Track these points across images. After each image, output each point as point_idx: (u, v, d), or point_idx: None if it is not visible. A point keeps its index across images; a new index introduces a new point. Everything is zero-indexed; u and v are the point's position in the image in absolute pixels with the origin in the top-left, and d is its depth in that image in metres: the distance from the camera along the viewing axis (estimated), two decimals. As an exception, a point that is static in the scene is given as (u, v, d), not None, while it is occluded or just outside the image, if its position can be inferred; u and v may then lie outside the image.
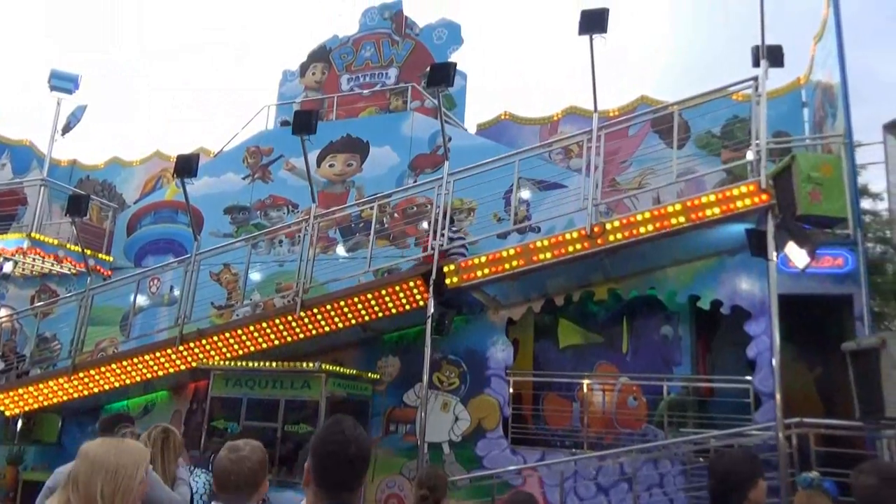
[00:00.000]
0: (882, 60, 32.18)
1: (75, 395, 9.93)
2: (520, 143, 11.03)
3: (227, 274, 11.17)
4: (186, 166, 8.90)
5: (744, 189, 6.94)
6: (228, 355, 9.14)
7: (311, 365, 8.21)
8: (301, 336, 8.82)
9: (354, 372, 8.84)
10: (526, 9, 43.37)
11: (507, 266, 7.77)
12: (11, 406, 10.24)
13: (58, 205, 12.66)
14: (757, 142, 7.00)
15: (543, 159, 9.98)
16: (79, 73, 13.39)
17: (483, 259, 7.90)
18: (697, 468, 7.23)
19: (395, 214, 10.57)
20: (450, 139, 8.89)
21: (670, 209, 7.21)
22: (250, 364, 8.64)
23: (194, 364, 9.17)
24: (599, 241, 7.35)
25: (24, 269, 12.29)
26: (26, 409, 10.26)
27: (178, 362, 9.40)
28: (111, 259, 12.61)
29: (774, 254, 6.59)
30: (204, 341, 9.16)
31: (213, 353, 9.18)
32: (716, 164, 9.74)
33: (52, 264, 12.18)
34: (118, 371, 9.66)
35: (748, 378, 7.59)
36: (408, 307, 8.35)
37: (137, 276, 10.63)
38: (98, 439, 2.33)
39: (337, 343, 9.23)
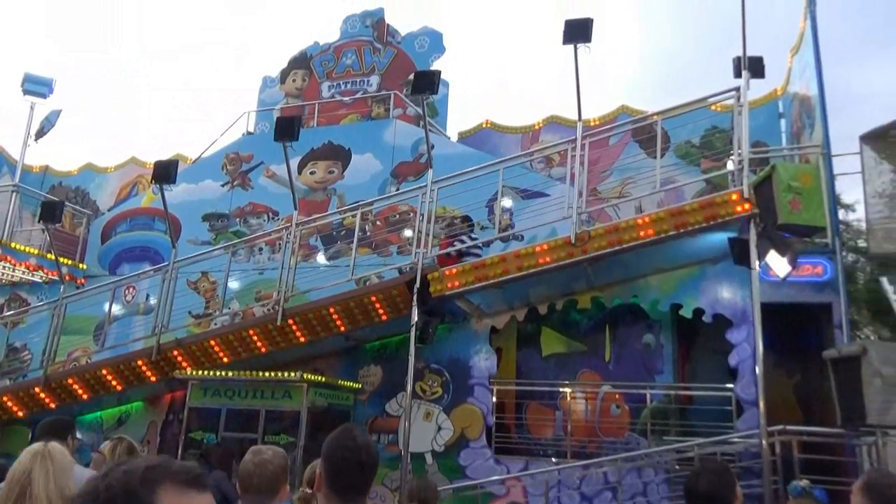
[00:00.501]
0: (854, 73, 33.11)
1: (47, 407, 9.64)
2: (501, 151, 11.06)
3: (206, 282, 10.99)
4: (165, 173, 8.77)
5: (727, 198, 7.02)
6: (207, 365, 8.96)
7: (291, 374, 8.09)
8: (282, 345, 8.69)
9: (336, 381, 8.73)
10: (507, 18, 43.82)
11: (490, 274, 7.74)
12: (-21, 418, 9.92)
13: (29, 211, 12.36)
14: (739, 151, 7.08)
15: (526, 168, 10.00)
16: (53, 77, 13.09)
17: (467, 267, 7.87)
18: (681, 476, 7.24)
19: (378, 222, 10.49)
20: (433, 147, 8.87)
21: (655, 217, 7.25)
22: (229, 373, 8.48)
23: (173, 374, 8.97)
24: (584, 249, 7.36)
25: (-7, 277, 11.97)
26: (-5, 420, 9.95)
27: (154, 372, 9.20)
28: (85, 267, 12.34)
29: (757, 262, 6.65)
30: (181, 351, 8.97)
31: (191, 362, 8.99)
32: (695, 173, 9.86)
33: (24, 272, 11.87)
34: (92, 381, 9.42)
35: (730, 386, 7.66)
36: (391, 315, 8.28)
37: (113, 283, 10.40)
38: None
39: (318, 352, 9.12)
